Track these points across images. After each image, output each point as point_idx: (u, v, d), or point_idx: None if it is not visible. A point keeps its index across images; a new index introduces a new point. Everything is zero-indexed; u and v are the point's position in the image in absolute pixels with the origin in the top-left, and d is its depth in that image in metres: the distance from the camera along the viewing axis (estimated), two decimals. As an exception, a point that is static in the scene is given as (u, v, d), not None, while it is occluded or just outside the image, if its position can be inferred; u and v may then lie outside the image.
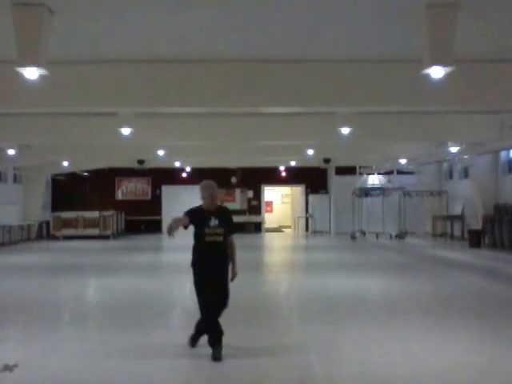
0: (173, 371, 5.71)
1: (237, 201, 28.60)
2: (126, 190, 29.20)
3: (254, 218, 28.56)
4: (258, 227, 28.54)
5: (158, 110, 12.33)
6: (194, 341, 6.29)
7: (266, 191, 29.79)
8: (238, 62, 9.34)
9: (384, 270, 13.90)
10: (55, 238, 24.36)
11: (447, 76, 7.19)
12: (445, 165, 24.60)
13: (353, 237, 23.93)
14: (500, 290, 10.92)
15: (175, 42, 8.43)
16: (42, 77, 7.06)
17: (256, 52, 9.03)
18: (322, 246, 22.09)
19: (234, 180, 28.02)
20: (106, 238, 24.33)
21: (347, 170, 26.92)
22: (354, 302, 9.53)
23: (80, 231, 24.62)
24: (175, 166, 25.81)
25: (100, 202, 27.32)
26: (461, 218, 22.24)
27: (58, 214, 25.28)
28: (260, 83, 9.54)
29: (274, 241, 24.13)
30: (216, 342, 5.92)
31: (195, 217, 6.11)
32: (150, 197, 29.20)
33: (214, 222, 6.04)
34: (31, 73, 6.92)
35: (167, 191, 29.04)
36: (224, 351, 5.87)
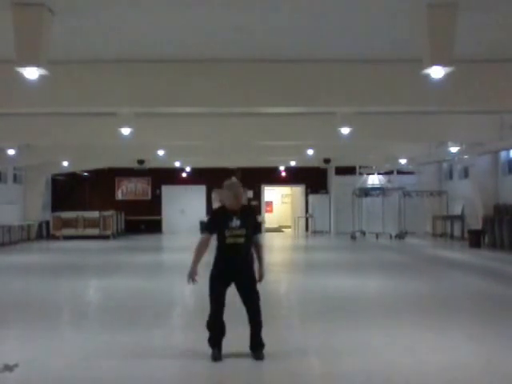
0: (173, 371, 5.71)
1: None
2: (125, 190, 29.19)
3: (254, 218, 28.50)
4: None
5: (157, 110, 12.32)
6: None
7: (265, 191, 29.80)
8: (238, 62, 9.33)
9: (384, 270, 13.90)
10: (55, 237, 24.36)
11: (447, 76, 7.19)
12: (445, 165, 24.60)
13: (353, 237, 23.93)
14: (500, 290, 10.91)
15: (175, 41, 8.43)
16: (41, 77, 7.06)
17: (256, 52, 9.03)
18: (322, 246, 22.08)
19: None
20: (105, 238, 24.33)
21: (347, 170, 26.91)
22: (353, 301, 9.52)
23: (80, 231, 24.62)
24: (175, 166, 25.83)
25: (100, 201, 27.33)
26: (461, 218, 22.23)
27: (57, 213, 25.29)
28: (260, 83, 9.54)
29: (274, 241, 24.12)
30: (216, 343, 5.90)
31: (217, 220, 5.98)
32: (149, 197, 29.19)
33: (235, 222, 5.86)
34: (31, 73, 6.92)
35: (167, 191, 29.04)
36: (223, 351, 5.87)
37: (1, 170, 22.35)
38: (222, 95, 9.61)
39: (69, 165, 23.65)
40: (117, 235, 25.41)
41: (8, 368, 5.22)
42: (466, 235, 20.83)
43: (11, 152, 18.23)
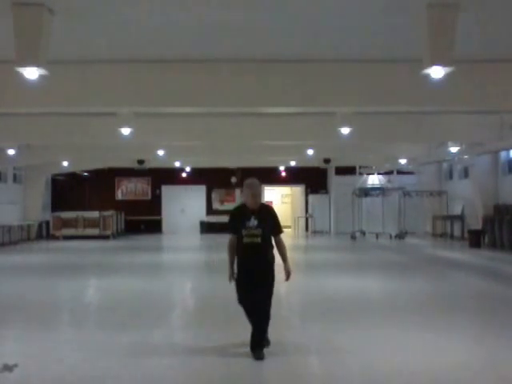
0: (173, 371, 5.70)
1: (237, 201, 28.55)
2: (125, 189, 29.20)
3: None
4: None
5: (157, 110, 12.33)
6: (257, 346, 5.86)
7: (265, 191, 29.79)
8: (238, 62, 9.34)
9: (384, 270, 13.90)
10: (55, 237, 24.37)
11: (447, 76, 7.19)
12: (445, 165, 24.61)
13: (353, 237, 23.93)
14: (500, 290, 10.91)
15: (175, 42, 8.43)
16: (41, 77, 7.06)
17: (256, 52, 9.03)
18: (322, 246, 22.08)
19: (233, 180, 28.01)
20: (105, 238, 24.34)
21: (347, 170, 26.92)
22: (353, 301, 9.52)
23: (80, 231, 24.63)
24: (175, 166, 25.83)
25: (100, 201, 27.35)
26: (461, 218, 22.24)
27: (57, 213, 25.30)
28: (260, 83, 9.54)
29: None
30: (258, 343, 5.82)
31: (236, 220, 5.95)
32: (149, 197, 29.20)
33: (252, 222, 5.83)
34: (31, 73, 6.92)
35: (167, 191, 29.06)
36: (223, 351, 5.87)
37: (1, 169, 22.37)
38: (222, 95, 9.61)
39: (69, 165, 23.67)
40: (117, 235, 25.41)
41: (8, 368, 5.22)
42: (465, 235, 20.83)
43: (11, 152, 18.24)
